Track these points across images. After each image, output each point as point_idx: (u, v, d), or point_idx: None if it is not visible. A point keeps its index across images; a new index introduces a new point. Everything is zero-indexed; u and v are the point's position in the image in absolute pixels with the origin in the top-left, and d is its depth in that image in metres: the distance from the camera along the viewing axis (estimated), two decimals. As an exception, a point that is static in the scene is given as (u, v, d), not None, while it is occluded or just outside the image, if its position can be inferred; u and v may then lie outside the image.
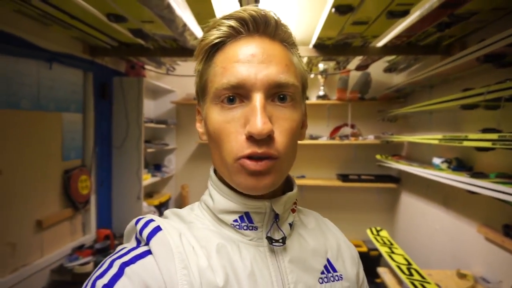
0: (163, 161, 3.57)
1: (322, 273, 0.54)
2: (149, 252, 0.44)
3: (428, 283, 1.61)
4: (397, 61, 2.83)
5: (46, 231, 2.06)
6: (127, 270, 0.41)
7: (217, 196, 0.52)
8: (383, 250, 2.01)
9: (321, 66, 3.20)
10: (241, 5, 1.54)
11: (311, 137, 3.27)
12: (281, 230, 0.52)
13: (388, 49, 2.31)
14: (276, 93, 0.47)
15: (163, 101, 3.52)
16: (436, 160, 2.12)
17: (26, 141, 1.89)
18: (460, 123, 2.13)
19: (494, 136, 1.44)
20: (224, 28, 0.48)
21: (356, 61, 2.96)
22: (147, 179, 2.98)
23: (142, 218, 0.49)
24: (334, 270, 0.56)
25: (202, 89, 0.51)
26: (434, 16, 1.66)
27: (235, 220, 0.51)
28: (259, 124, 0.43)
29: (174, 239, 0.45)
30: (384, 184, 3.19)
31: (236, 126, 0.46)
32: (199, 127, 0.55)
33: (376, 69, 3.11)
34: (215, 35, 0.48)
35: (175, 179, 3.60)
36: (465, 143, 1.65)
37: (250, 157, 0.45)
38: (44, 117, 2.04)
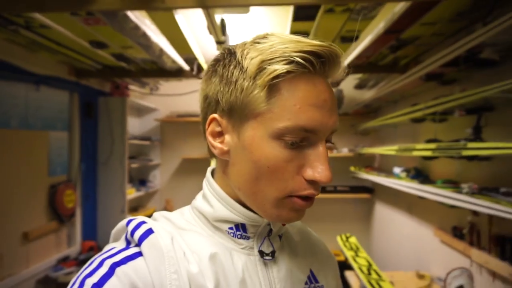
0: (148, 176, 3.70)
1: (306, 283, 0.56)
2: (140, 254, 0.44)
3: (383, 281, 1.76)
4: (366, 78, 3.05)
5: (32, 243, 2.18)
6: (118, 270, 0.42)
7: (218, 205, 0.52)
8: (349, 254, 2.17)
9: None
10: (210, 33, 1.73)
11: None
12: (271, 244, 0.54)
13: (353, 68, 2.52)
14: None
15: (148, 118, 3.69)
16: (396, 170, 2.30)
17: (14, 158, 2.03)
18: (415, 136, 2.33)
19: (433, 145, 1.63)
20: (300, 60, 0.43)
21: (328, 79, 3.16)
22: (132, 193, 3.11)
23: (134, 219, 0.49)
24: (316, 281, 0.58)
25: (250, 109, 0.46)
26: (383, 41, 1.86)
27: (231, 228, 0.52)
28: (328, 174, 0.45)
29: (166, 243, 0.45)
30: (359, 194, 3.36)
31: (295, 167, 0.46)
32: (219, 142, 0.50)
33: (348, 86, 3.33)
34: (285, 68, 0.43)
35: (159, 193, 3.74)
36: (414, 153, 1.84)
37: (300, 196, 0.47)
38: (32, 135, 2.19)
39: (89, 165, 2.86)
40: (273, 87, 0.45)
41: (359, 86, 3.30)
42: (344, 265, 3.15)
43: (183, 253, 0.46)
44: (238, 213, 0.51)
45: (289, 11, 1.58)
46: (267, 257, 0.52)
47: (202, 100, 0.53)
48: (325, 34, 1.79)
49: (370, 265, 2.00)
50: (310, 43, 0.44)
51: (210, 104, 0.51)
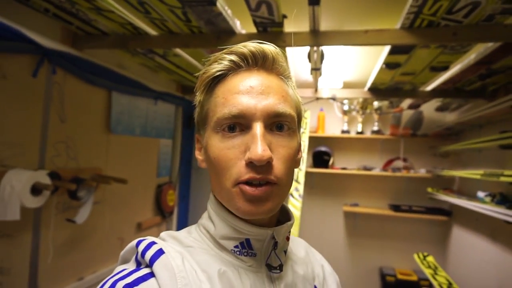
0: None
1: None
2: (151, 275, 0.45)
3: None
4: (448, 101, 3.07)
5: (143, 232, 2.58)
6: None
7: (218, 222, 0.54)
8: (427, 271, 2.23)
9: (376, 104, 3.51)
10: (309, 60, 1.98)
11: (365, 168, 3.55)
12: (278, 258, 0.54)
13: (436, 93, 2.60)
14: (274, 122, 0.50)
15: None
16: (480, 194, 2.32)
17: (135, 160, 2.45)
18: (502, 161, 2.33)
19: (523, 173, 1.68)
20: (225, 62, 0.51)
21: (409, 100, 3.25)
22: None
23: (143, 240, 0.49)
24: None
25: (202, 119, 0.54)
26: (472, 70, 1.95)
27: (236, 246, 0.52)
28: (259, 150, 0.45)
29: (177, 263, 0.46)
30: (435, 216, 3.34)
31: (236, 153, 0.48)
32: (199, 155, 0.57)
33: (428, 108, 3.36)
34: (216, 68, 0.51)
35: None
36: (502, 179, 1.88)
37: (249, 183, 0.47)
38: (148, 142, 2.61)
39: (185, 169, 3.26)
40: (210, 89, 0.53)
41: (441, 108, 3.32)
42: (417, 286, 3.17)
43: (194, 272, 0.47)
44: (239, 227, 0.51)
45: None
46: (275, 271, 0.53)
47: None
48: (415, 65, 1.93)
49: (450, 284, 2.05)
50: (244, 45, 0.51)
51: (197, 125, 0.58)
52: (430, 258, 2.50)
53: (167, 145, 2.92)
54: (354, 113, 3.63)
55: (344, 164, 3.68)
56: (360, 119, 3.60)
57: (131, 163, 2.38)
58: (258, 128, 0.47)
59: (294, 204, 3.17)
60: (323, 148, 3.58)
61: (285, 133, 0.50)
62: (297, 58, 2.31)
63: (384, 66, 1.95)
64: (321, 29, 1.53)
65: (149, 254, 0.46)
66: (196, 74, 0.55)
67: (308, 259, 0.65)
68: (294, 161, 0.52)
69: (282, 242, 0.55)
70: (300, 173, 3.36)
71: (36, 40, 1.50)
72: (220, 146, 0.49)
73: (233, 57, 0.51)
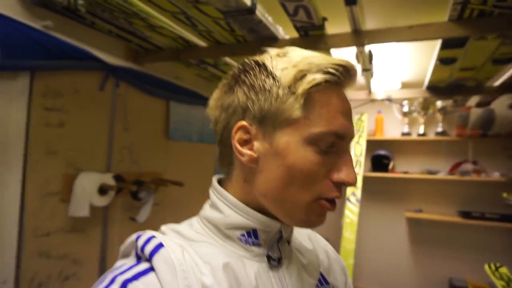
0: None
1: (317, 286, 0.58)
2: (151, 269, 0.45)
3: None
4: (523, 97, 2.79)
5: (201, 234, 2.72)
6: (130, 286, 0.42)
7: (228, 211, 0.53)
8: (499, 284, 2.04)
9: (439, 103, 3.31)
10: (358, 62, 1.95)
11: (429, 172, 3.35)
12: (279, 250, 0.55)
13: (506, 88, 2.37)
14: None
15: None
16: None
17: (193, 164, 2.60)
18: None
19: None
20: (335, 72, 0.48)
21: (476, 98, 3.00)
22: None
23: (143, 234, 0.49)
24: (327, 283, 0.60)
25: (285, 117, 0.49)
26: (543, 61, 1.77)
27: (242, 235, 0.52)
28: (355, 175, 0.49)
29: (177, 256, 0.45)
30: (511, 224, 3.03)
31: (324, 171, 0.49)
32: (246, 148, 0.52)
33: (500, 105, 3.08)
34: (322, 77, 0.48)
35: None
36: None
37: (329, 200, 0.50)
38: (204, 147, 2.76)
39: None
40: (309, 95, 0.48)
41: (515, 105, 3.02)
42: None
43: (195, 265, 0.47)
44: (250, 218, 0.52)
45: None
46: (273, 262, 0.53)
47: (220, 109, 0.56)
48: (474, 59, 1.80)
49: (524, 298, 1.86)
50: (335, 58, 0.49)
51: (235, 113, 0.52)
52: (504, 270, 2.27)
53: (223, 151, 3.05)
54: (415, 114, 3.45)
55: (405, 168, 3.50)
56: (422, 120, 3.41)
57: (189, 167, 2.54)
58: (350, 152, 0.50)
59: (351, 209, 3.10)
60: (382, 152, 3.45)
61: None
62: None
63: (438, 62, 1.85)
64: (367, 28, 1.52)
65: (148, 248, 0.46)
66: (298, 69, 0.49)
67: (312, 246, 0.65)
68: None
69: (286, 235, 0.56)
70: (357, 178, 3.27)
71: (102, 58, 1.69)
72: (314, 160, 0.48)
73: (341, 69, 0.49)
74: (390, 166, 3.37)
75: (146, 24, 1.52)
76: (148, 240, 0.47)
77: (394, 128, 3.57)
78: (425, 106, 3.29)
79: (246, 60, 0.55)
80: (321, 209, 0.50)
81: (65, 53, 1.51)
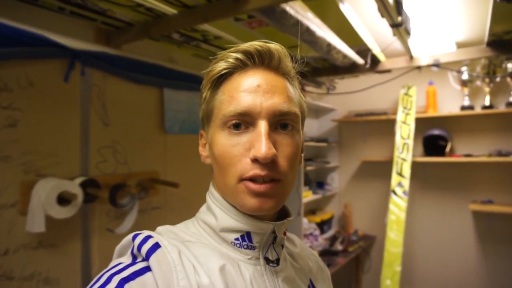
0: (325, 179, 3.62)
1: None
2: (147, 269, 0.45)
3: None
4: None
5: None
6: (127, 286, 0.42)
7: (220, 214, 0.54)
8: None
9: (510, 66, 2.62)
10: (382, 16, 1.47)
11: (499, 154, 2.68)
12: (276, 252, 0.56)
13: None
14: (279, 121, 0.51)
15: (325, 119, 3.62)
16: None
17: (199, 160, 2.28)
18: None
19: None
20: (232, 60, 0.52)
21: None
22: (308, 196, 3.08)
23: (140, 234, 0.50)
24: None
25: (207, 115, 0.56)
26: None
27: (236, 239, 0.53)
28: (264, 148, 0.47)
29: (174, 257, 0.46)
30: None
31: (241, 150, 0.49)
32: (203, 151, 0.60)
33: None
34: (222, 66, 0.52)
35: (338, 197, 3.59)
36: None
37: (253, 180, 0.49)
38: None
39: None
40: (216, 89, 0.54)
41: None
42: None
43: (192, 266, 0.47)
44: (242, 220, 0.53)
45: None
46: (272, 264, 0.54)
47: None
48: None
49: None
50: (251, 44, 0.52)
51: (201, 124, 0.60)
52: None
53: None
54: (478, 82, 2.79)
55: (467, 149, 2.89)
56: (487, 89, 2.75)
57: (193, 164, 2.22)
58: (263, 126, 0.49)
59: (398, 203, 2.58)
60: (436, 131, 2.87)
61: (289, 132, 0.52)
62: (372, 21, 1.79)
63: None
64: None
65: (145, 248, 0.46)
66: (203, 72, 0.57)
67: (303, 253, 0.67)
68: (298, 159, 0.54)
69: (281, 237, 0.56)
70: (404, 165, 2.73)
71: (62, 42, 1.43)
72: (226, 143, 0.51)
73: (239, 55, 0.52)
74: (448, 148, 2.78)
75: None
76: (145, 240, 0.48)
77: (451, 102, 2.95)
78: (491, 70, 2.62)
79: None
80: (248, 190, 0.49)
81: (11, 39, 1.29)
